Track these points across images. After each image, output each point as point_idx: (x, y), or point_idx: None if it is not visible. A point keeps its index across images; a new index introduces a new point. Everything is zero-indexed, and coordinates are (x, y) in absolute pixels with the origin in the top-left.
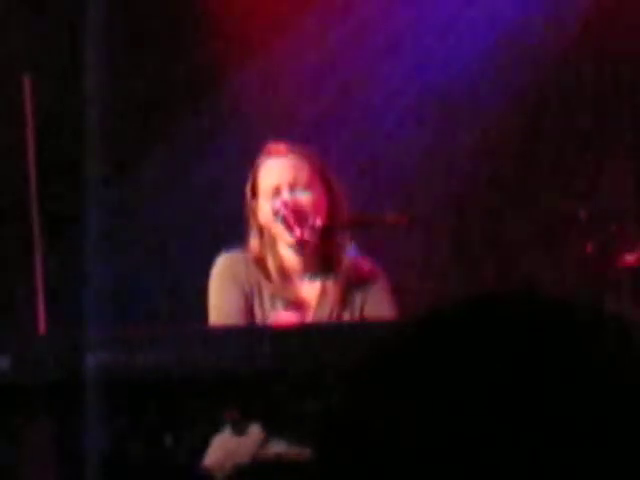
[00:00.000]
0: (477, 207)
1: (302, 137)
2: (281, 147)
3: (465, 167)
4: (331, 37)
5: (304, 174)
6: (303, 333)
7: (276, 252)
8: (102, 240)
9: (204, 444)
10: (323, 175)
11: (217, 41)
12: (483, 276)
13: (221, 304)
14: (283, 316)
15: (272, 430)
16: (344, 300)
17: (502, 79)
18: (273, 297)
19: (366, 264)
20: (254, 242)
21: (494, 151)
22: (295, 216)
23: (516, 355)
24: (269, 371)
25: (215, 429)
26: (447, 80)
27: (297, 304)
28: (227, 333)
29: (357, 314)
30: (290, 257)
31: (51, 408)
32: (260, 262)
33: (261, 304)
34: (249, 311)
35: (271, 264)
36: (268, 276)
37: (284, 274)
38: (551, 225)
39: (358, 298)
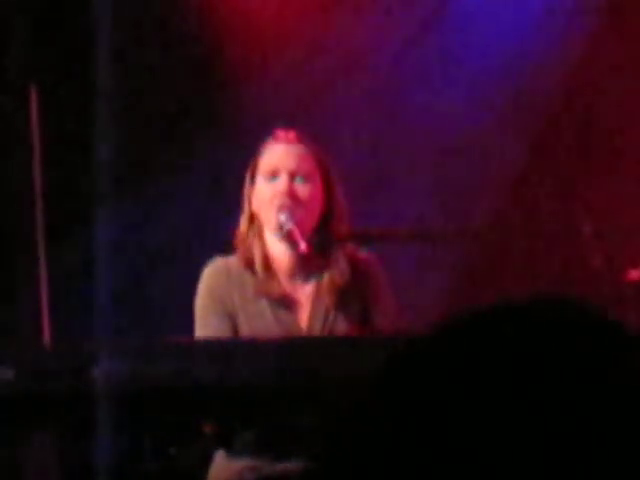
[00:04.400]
0: (482, 220)
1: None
2: (290, 134)
3: (469, 179)
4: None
5: (307, 165)
6: (308, 346)
7: (263, 242)
8: (108, 250)
9: (209, 457)
10: (326, 171)
11: (228, 56)
12: (487, 291)
13: (205, 332)
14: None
15: (275, 445)
16: (340, 299)
17: (510, 92)
18: (257, 295)
19: (361, 254)
20: (242, 227)
21: (499, 165)
22: (290, 205)
23: (537, 372)
24: (274, 385)
25: (220, 443)
26: (460, 93)
27: (284, 302)
28: (234, 346)
29: (355, 312)
30: (278, 250)
31: (55, 419)
32: (244, 257)
33: (245, 308)
34: (233, 331)
35: (257, 255)
36: (252, 270)
37: (269, 267)
38: (556, 240)
39: (355, 294)
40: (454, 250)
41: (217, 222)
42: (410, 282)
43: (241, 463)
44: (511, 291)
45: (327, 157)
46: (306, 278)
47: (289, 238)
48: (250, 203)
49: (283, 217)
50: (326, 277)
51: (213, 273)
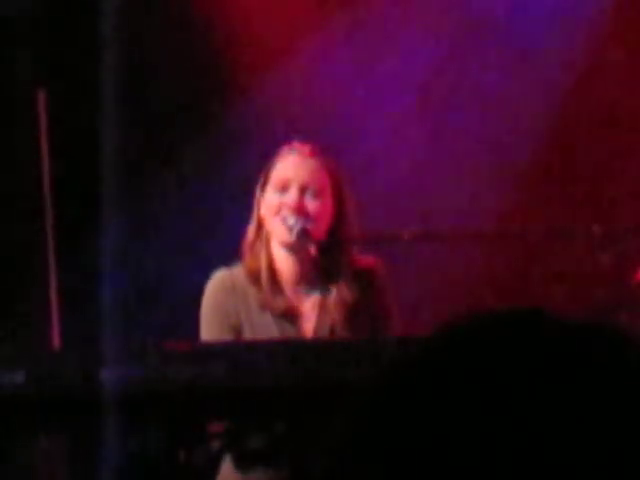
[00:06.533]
0: (489, 222)
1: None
2: (306, 148)
3: (477, 182)
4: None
5: (319, 180)
6: (321, 349)
7: (269, 251)
8: (117, 255)
9: (218, 461)
10: (338, 186)
11: (239, 61)
12: (495, 292)
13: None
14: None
15: (287, 447)
16: (347, 313)
17: (529, 95)
18: (262, 308)
19: (365, 259)
20: (250, 234)
21: (508, 167)
22: (297, 219)
23: (541, 380)
24: (286, 387)
25: (230, 446)
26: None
27: (289, 315)
28: (244, 348)
29: (361, 324)
30: (284, 262)
31: (65, 423)
32: (250, 267)
33: (250, 321)
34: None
35: (263, 265)
36: (257, 283)
37: (275, 279)
38: (565, 240)
39: (362, 305)
40: (460, 252)
41: (226, 226)
42: (416, 284)
43: (251, 471)
44: (519, 294)
45: (341, 171)
46: (311, 289)
47: (299, 238)
48: (259, 208)
49: (292, 220)
50: (333, 291)
51: (218, 287)
